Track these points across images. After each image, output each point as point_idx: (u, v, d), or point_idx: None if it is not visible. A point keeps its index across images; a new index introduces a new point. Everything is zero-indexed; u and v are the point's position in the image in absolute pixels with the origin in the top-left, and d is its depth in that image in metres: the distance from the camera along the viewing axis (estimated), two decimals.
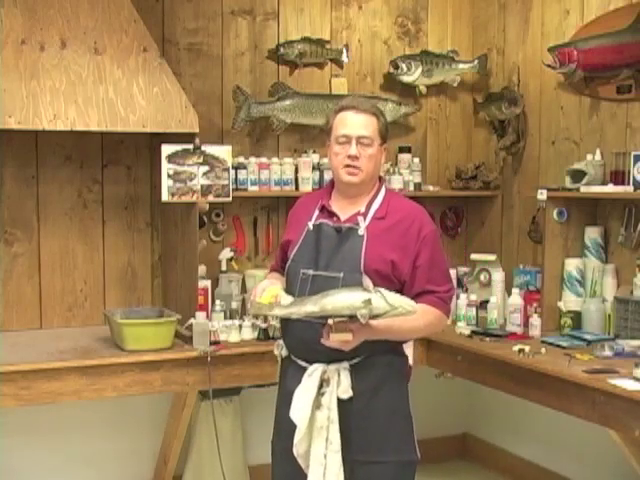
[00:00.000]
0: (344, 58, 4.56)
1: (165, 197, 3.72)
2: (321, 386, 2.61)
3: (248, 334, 3.81)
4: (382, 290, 2.46)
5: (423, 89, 4.70)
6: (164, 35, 4.17)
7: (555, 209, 4.00)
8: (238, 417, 4.29)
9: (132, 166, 4.16)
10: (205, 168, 3.76)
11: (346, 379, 2.61)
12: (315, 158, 4.36)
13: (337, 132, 2.73)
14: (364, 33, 4.67)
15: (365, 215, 2.72)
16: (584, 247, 4.03)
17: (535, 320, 3.90)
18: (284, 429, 2.73)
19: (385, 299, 2.44)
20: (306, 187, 4.24)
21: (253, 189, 4.19)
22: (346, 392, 2.60)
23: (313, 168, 4.29)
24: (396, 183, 4.48)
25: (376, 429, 2.66)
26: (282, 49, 4.39)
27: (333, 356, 2.58)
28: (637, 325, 3.65)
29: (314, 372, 2.63)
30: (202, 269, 4.02)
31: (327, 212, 2.77)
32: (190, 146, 3.73)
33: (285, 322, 2.72)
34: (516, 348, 3.57)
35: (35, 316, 4.00)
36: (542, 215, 4.12)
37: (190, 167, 3.73)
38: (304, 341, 2.65)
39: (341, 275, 2.64)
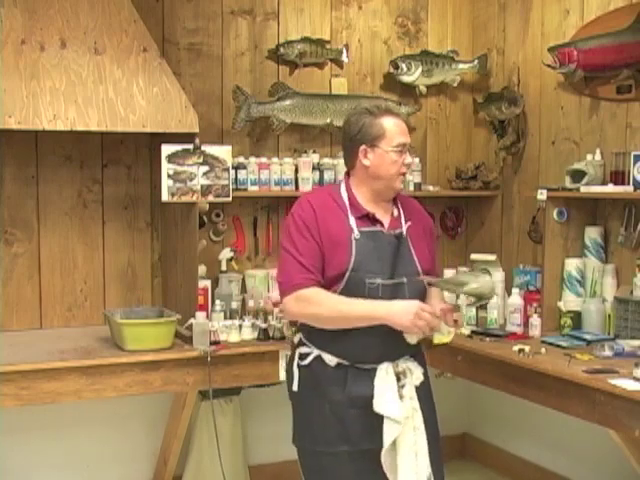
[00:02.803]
0: (344, 58, 4.57)
1: (165, 197, 3.73)
2: (398, 379, 2.71)
3: (248, 334, 3.81)
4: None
5: (423, 89, 4.70)
6: (164, 35, 4.17)
7: (555, 209, 4.00)
8: (238, 417, 4.29)
9: (132, 166, 4.16)
10: (205, 168, 3.76)
11: (417, 368, 2.78)
12: (315, 158, 4.36)
13: (395, 140, 2.72)
14: (364, 33, 4.67)
15: (400, 219, 2.80)
16: (584, 247, 4.03)
17: (535, 320, 3.90)
18: (353, 432, 2.70)
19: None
20: (306, 187, 4.24)
21: (253, 189, 4.19)
22: (418, 379, 2.78)
23: (313, 168, 4.29)
24: None
25: (433, 405, 2.87)
26: (282, 49, 4.39)
27: (399, 353, 2.74)
28: (637, 325, 3.64)
29: (388, 369, 2.70)
30: (202, 269, 4.02)
31: (368, 219, 2.75)
32: (190, 146, 3.73)
33: (344, 332, 2.66)
34: (516, 348, 3.57)
35: (35, 316, 4.00)
36: (542, 215, 4.12)
37: (190, 167, 3.74)
38: (372, 345, 2.68)
39: (405, 281, 2.71)
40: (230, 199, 3.89)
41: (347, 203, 2.77)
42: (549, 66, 4.12)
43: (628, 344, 3.50)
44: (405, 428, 2.66)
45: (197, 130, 3.73)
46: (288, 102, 4.34)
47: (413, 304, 2.60)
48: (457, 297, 2.93)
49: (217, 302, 3.92)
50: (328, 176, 4.31)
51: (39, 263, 4.00)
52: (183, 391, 3.80)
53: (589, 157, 3.96)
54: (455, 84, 4.78)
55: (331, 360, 2.71)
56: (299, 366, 2.77)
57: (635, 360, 3.19)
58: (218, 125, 4.31)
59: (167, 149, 3.70)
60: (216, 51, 4.31)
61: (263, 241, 4.46)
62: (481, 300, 2.83)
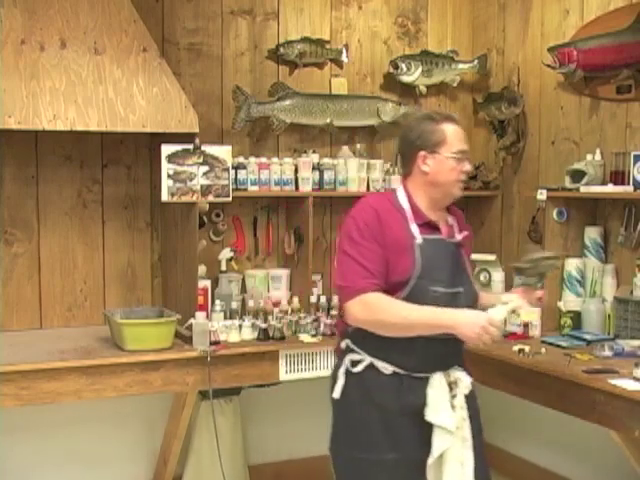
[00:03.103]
0: (344, 58, 4.56)
1: (165, 197, 3.72)
2: (450, 389, 2.71)
3: (248, 334, 3.81)
4: None
5: (423, 89, 4.70)
6: (164, 35, 4.17)
7: (555, 209, 4.00)
8: (238, 417, 4.29)
9: (132, 166, 4.16)
10: (205, 168, 3.76)
11: (466, 377, 2.77)
12: (315, 158, 4.35)
13: (456, 147, 2.71)
14: (364, 33, 4.67)
15: (454, 227, 2.82)
16: (584, 247, 4.03)
17: (535, 320, 3.90)
18: (402, 440, 2.69)
19: None
20: (306, 187, 4.24)
21: (253, 189, 4.19)
22: (467, 388, 2.76)
23: (313, 168, 4.29)
24: (396, 183, 4.48)
25: (479, 416, 2.86)
26: (282, 49, 4.39)
27: (451, 362, 2.76)
28: (637, 325, 3.65)
29: (441, 378, 2.70)
30: (202, 269, 4.02)
31: (430, 226, 2.73)
32: (190, 146, 3.73)
33: (403, 341, 2.64)
34: (516, 348, 3.57)
35: (35, 316, 4.00)
36: (542, 215, 4.12)
37: (190, 167, 3.74)
38: (430, 354, 2.68)
39: (462, 290, 2.72)
40: (230, 199, 3.89)
41: (408, 209, 2.73)
42: (549, 66, 4.12)
43: (628, 344, 3.50)
44: (454, 439, 2.66)
45: (197, 130, 3.73)
46: (288, 102, 4.34)
47: (482, 316, 2.57)
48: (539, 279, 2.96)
49: (217, 302, 3.92)
50: (328, 176, 4.31)
51: (39, 263, 4.00)
52: (183, 391, 3.80)
53: (589, 157, 3.96)
54: (455, 84, 4.78)
55: (386, 368, 2.68)
56: (348, 373, 2.73)
57: (635, 360, 3.19)
58: (218, 125, 4.31)
59: (167, 149, 3.70)
60: (216, 51, 4.31)
61: (263, 241, 4.46)
62: (541, 280, 2.94)
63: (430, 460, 2.65)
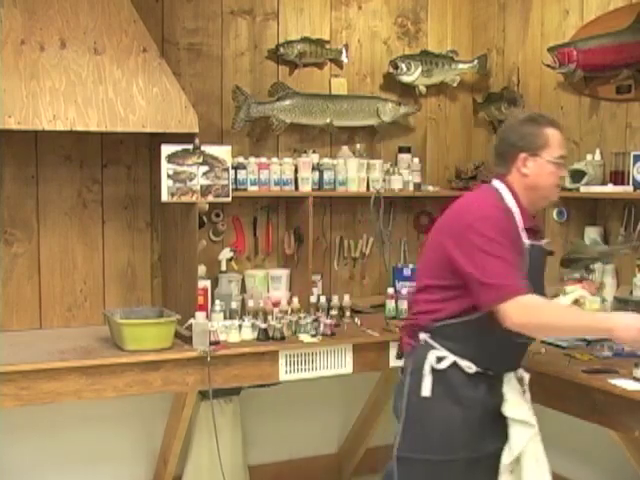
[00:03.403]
0: (344, 58, 4.57)
1: (165, 197, 3.72)
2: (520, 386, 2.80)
3: (248, 334, 3.80)
4: None
5: (423, 89, 4.71)
6: (164, 35, 4.17)
7: (555, 209, 4.01)
8: (238, 417, 4.29)
9: (132, 166, 4.16)
10: (205, 168, 3.76)
11: (526, 375, 2.86)
12: (315, 158, 4.35)
13: (557, 152, 2.73)
14: (364, 33, 4.67)
15: (538, 232, 2.84)
16: None
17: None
18: (482, 438, 2.72)
19: None
20: (305, 187, 4.24)
21: (253, 189, 4.19)
22: (527, 385, 2.85)
23: (313, 168, 4.29)
24: (396, 183, 4.48)
25: None
26: (282, 49, 4.39)
27: (520, 362, 2.85)
28: None
29: (512, 376, 2.78)
30: (202, 269, 4.02)
31: (532, 231, 2.75)
32: (190, 146, 3.73)
33: (490, 341, 2.67)
34: None
35: (35, 316, 3.99)
36: (542, 215, 4.12)
37: (190, 167, 3.73)
38: (511, 354, 2.78)
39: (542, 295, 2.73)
40: (230, 199, 3.89)
41: (517, 212, 2.72)
42: (549, 66, 4.12)
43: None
44: (532, 434, 2.72)
45: (197, 130, 3.73)
46: (288, 102, 4.35)
47: (638, 318, 2.53)
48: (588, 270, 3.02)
49: (217, 302, 3.92)
50: (328, 176, 4.31)
51: (39, 263, 3.99)
52: (183, 391, 3.80)
53: (589, 157, 3.96)
54: (455, 84, 4.78)
55: (470, 367, 2.69)
56: (433, 370, 2.70)
57: (635, 360, 3.18)
58: (218, 125, 4.31)
59: (167, 149, 3.70)
60: (216, 51, 4.31)
61: (263, 241, 4.46)
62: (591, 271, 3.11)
63: (509, 459, 2.69)
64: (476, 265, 2.57)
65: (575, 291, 2.83)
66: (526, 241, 2.68)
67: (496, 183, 2.79)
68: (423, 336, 2.74)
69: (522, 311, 2.53)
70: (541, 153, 2.71)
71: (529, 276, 2.64)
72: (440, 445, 2.68)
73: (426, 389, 2.69)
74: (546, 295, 2.81)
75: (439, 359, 2.70)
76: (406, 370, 2.78)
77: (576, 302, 2.99)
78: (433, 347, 2.72)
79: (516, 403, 2.72)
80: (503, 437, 2.75)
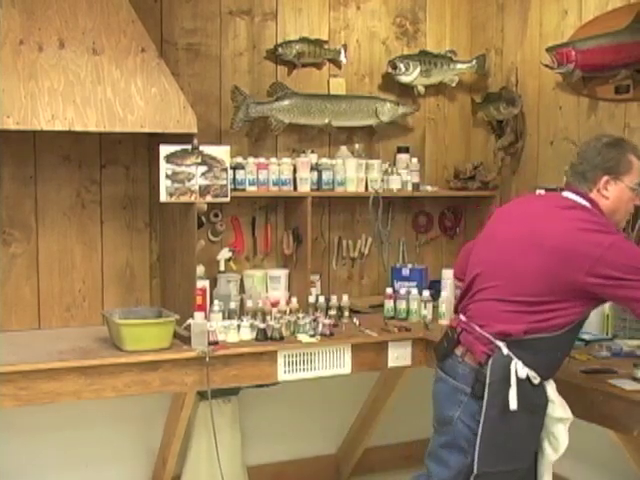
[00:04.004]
0: (342, 58, 4.57)
1: (163, 197, 3.72)
2: None
3: (246, 334, 3.80)
4: None
5: (421, 89, 4.71)
6: (162, 35, 4.17)
7: None
8: (236, 417, 4.29)
9: (130, 166, 4.16)
10: (203, 168, 3.76)
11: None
12: (313, 158, 4.36)
13: (638, 179, 2.78)
14: (362, 33, 4.67)
15: None
16: None
17: None
18: (538, 441, 2.85)
19: None
20: (304, 187, 4.24)
21: (251, 189, 4.19)
22: None
23: (311, 168, 4.29)
24: (394, 183, 4.49)
25: None
26: (280, 49, 4.39)
27: None
28: (635, 325, 3.65)
29: (552, 380, 2.85)
30: (200, 269, 4.02)
31: None
32: (188, 146, 3.72)
33: (560, 356, 2.78)
34: None
35: (33, 316, 3.99)
36: None
37: (188, 167, 3.73)
38: (561, 365, 2.88)
39: None
40: (228, 199, 3.89)
41: None
42: (547, 66, 4.12)
43: (626, 344, 3.50)
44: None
45: (195, 130, 3.73)
46: (286, 102, 4.35)
47: None
48: None
49: (215, 302, 3.92)
50: (326, 176, 4.31)
51: (37, 263, 3.99)
52: (182, 391, 3.80)
53: None
54: (453, 84, 4.78)
55: (535, 378, 2.73)
56: (520, 380, 2.69)
57: (633, 360, 3.19)
58: (216, 125, 4.31)
59: (165, 149, 3.70)
60: (214, 51, 4.31)
61: (261, 241, 4.46)
62: None
63: (555, 457, 2.81)
64: (630, 283, 2.60)
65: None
66: None
67: (577, 198, 2.79)
68: (501, 345, 2.71)
69: None
70: (623, 178, 2.76)
71: None
72: (515, 455, 2.74)
73: (513, 401, 2.66)
74: None
75: (520, 369, 2.70)
76: (480, 380, 2.72)
77: None
78: (512, 357, 2.70)
79: (561, 403, 2.81)
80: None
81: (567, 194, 2.83)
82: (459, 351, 2.82)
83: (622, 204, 2.78)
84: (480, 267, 2.87)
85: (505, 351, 2.70)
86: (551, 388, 2.82)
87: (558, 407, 2.80)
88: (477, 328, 2.77)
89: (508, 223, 2.88)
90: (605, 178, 2.76)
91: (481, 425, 2.69)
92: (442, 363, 2.89)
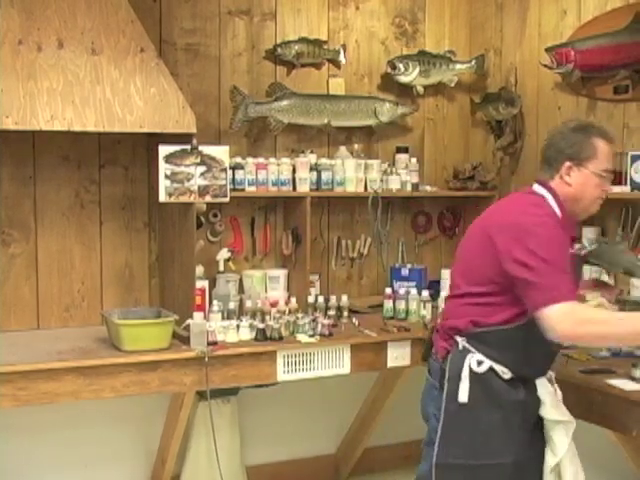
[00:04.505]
0: (341, 58, 4.57)
1: (162, 197, 3.72)
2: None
3: (246, 334, 3.80)
4: None
5: (420, 89, 4.71)
6: (161, 36, 4.17)
7: None
8: (235, 417, 4.29)
9: (129, 166, 4.16)
10: (202, 168, 3.76)
11: (553, 372, 2.84)
12: (312, 158, 4.36)
13: (605, 165, 2.67)
14: (361, 33, 4.67)
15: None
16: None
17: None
18: (521, 441, 2.70)
19: None
20: (303, 187, 4.24)
21: (251, 189, 4.19)
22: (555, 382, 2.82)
23: (310, 168, 4.29)
24: (393, 183, 4.49)
25: None
26: (279, 49, 4.39)
27: (551, 366, 2.84)
28: None
29: (544, 379, 2.77)
30: (199, 269, 4.02)
31: (572, 240, 2.75)
32: (187, 146, 3.72)
33: (530, 350, 2.66)
34: None
35: (32, 317, 3.99)
36: None
37: (187, 167, 3.73)
38: (546, 363, 2.79)
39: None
40: (227, 199, 3.89)
41: (561, 220, 2.67)
42: (546, 66, 4.13)
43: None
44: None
45: (194, 130, 3.73)
46: (285, 102, 4.35)
47: None
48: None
49: (214, 302, 3.92)
50: (325, 176, 4.31)
51: (36, 263, 3.99)
52: (181, 391, 3.80)
53: None
54: (452, 84, 4.78)
55: (505, 372, 2.67)
56: (472, 374, 2.66)
57: (632, 360, 3.19)
58: (215, 125, 4.31)
59: (164, 149, 3.70)
60: (213, 51, 4.31)
61: (260, 241, 4.46)
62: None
63: (553, 460, 2.71)
64: (530, 269, 2.50)
65: (595, 299, 2.79)
66: (570, 249, 2.67)
67: (539, 189, 2.74)
68: (460, 340, 2.71)
69: (571, 322, 2.44)
70: (587, 164, 2.67)
71: (574, 280, 2.63)
72: (482, 450, 2.67)
73: (463, 394, 2.66)
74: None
75: (479, 362, 2.67)
76: (444, 375, 2.73)
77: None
78: (470, 351, 2.68)
79: (554, 404, 2.73)
80: (543, 440, 2.76)
81: (533, 186, 2.79)
82: (433, 349, 2.87)
83: (587, 191, 2.68)
84: (452, 267, 2.93)
85: (461, 346, 2.70)
86: (543, 388, 2.74)
87: (549, 409, 2.72)
88: (441, 325, 2.84)
89: (475, 221, 2.88)
90: (567, 164, 2.67)
91: (441, 418, 2.71)
92: (426, 362, 2.93)
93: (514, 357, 2.65)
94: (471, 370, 2.66)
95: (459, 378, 2.67)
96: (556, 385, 2.82)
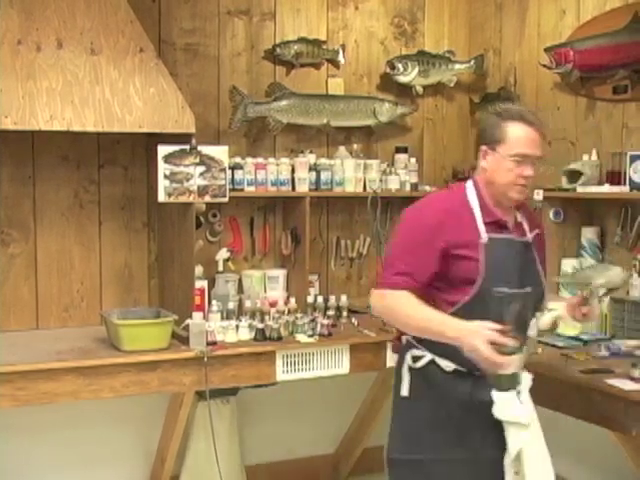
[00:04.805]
0: (340, 58, 4.57)
1: (162, 197, 3.72)
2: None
3: (245, 334, 3.80)
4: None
5: (420, 89, 4.71)
6: (160, 36, 4.17)
7: (551, 209, 4.01)
8: (235, 417, 4.29)
9: (129, 166, 4.16)
10: (202, 168, 3.76)
11: (527, 374, 2.70)
12: (312, 158, 4.36)
13: (514, 149, 2.61)
14: (360, 33, 4.67)
15: (523, 225, 2.75)
16: (580, 247, 4.03)
17: (532, 320, 3.89)
18: (471, 438, 2.66)
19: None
20: (302, 187, 4.24)
21: (250, 189, 4.19)
22: (528, 385, 2.70)
23: (310, 168, 4.29)
24: (393, 183, 4.49)
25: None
26: (279, 49, 4.39)
27: None
28: (633, 325, 3.65)
29: None
30: (199, 269, 4.02)
31: (497, 225, 2.67)
32: (187, 146, 3.73)
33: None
34: None
35: (32, 317, 3.99)
36: (538, 215, 4.12)
37: (187, 167, 3.73)
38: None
39: (529, 290, 2.66)
40: (227, 199, 3.89)
41: (476, 206, 2.68)
42: (545, 66, 4.13)
43: (624, 344, 3.51)
44: (530, 434, 2.65)
45: (194, 130, 3.73)
46: (285, 102, 4.34)
47: (478, 325, 2.46)
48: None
49: (214, 302, 3.92)
50: (325, 176, 4.31)
51: (35, 264, 3.99)
52: (180, 392, 3.79)
53: (585, 157, 3.97)
54: (452, 84, 4.78)
55: (448, 366, 2.65)
56: (411, 369, 2.69)
57: (632, 360, 3.20)
58: (215, 125, 4.31)
59: (164, 149, 3.70)
60: (213, 51, 4.31)
61: (260, 241, 4.46)
62: (612, 291, 2.93)
63: (508, 459, 2.63)
64: (386, 254, 2.80)
65: (556, 310, 2.75)
66: (484, 236, 2.62)
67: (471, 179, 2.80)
68: (405, 336, 2.75)
69: (380, 299, 2.66)
70: (497, 148, 2.63)
71: (495, 269, 2.59)
72: (431, 444, 2.66)
73: (404, 389, 2.70)
74: (539, 286, 2.73)
75: (415, 358, 2.68)
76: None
77: (553, 324, 2.92)
78: (413, 346, 2.70)
79: (505, 404, 2.62)
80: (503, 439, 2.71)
81: None
82: None
83: (499, 175, 2.63)
84: None
85: (404, 340, 2.74)
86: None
87: (498, 408, 2.61)
88: None
89: None
90: (483, 148, 2.68)
91: (392, 412, 2.76)
92: None
93: (453, 348, 2.56)
94: (409, 366, 2.70)
95: (401, 372, 2.72)
96: (522, 387, 2.67)
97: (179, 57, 4.22)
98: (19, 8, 3.51)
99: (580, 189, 3.87)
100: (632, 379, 3.04)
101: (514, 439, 2.63)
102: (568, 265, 3.99)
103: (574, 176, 3.91)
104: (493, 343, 2.41)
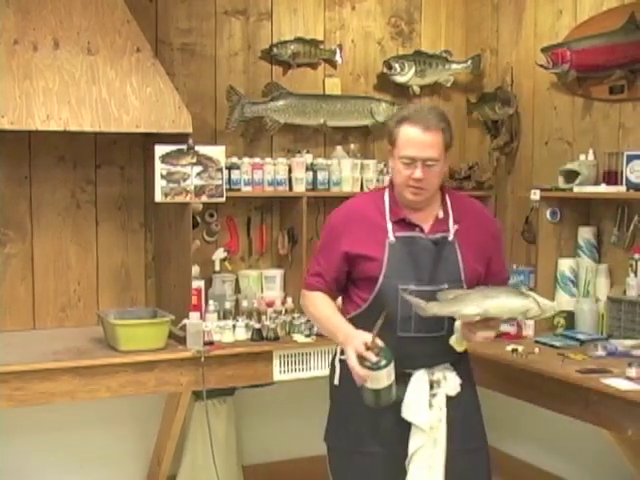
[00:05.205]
0: (337, 58, 4.57)
1: (159, 197, 3.72)
2: (431, 388, 2.67)
3: (242, 334, 3.81)
4: (533, 294, 2.63)
5: (416, 89, 4.71)
6: (157, 35, 4.17)
7: (548, 209, 4.01)
8: (232, 417, 4.29)
9: (125, 166, 4.15)
10: (198, 168, 3.76)
11: (454, 378, 2.71)
12: (309, 158, 4.35)
13: (402, 151, 2.61)
14: (357, 33, 4.67)
15: (446, 222, 2.71)
16: (577, 247, 4.03)
17: (528, 320, 3.90)
18: (386, 434, 2.67)
19: (538, 304, 2.59)
20: (299, 187, 4.24)
21: (247, 189, 4.19)
22: (454, 389, 2.70)
23: (307, 168, 4.29)
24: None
25: (474, 418, 2.79)
26: (275, 49, 4.39)
27: (437, 360, 2.70)
28: (630, 325, 3.65)
29: (423, 376, 2.67)
30: (196, 269, 4.01)
31: (406, 224, 2.68)
32: (183, 146, 3.73)
33: (393, 335, 2.58)
34: (509, 348, 3.58)
35: (28, 317, 3.99)
36: (535, 215, 4.13)
37: (183, 167, 3.73)
38: (409, 349, 2.63)
39: (446, 287, 2.64)
40: (224, 199, 3.89)
41: (387, 206, 2.71)
42: (542, 66, 4.13)
43: (621, 344, 3.51)
44: (427, 439, 2.63)
45: (190, 130, 3.73)
46: (281, 102, 4.34)
47: (358, 333, 2.50)
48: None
49: (211, 302, 3.92)
50: (322, 176, 4.31)
51: (32, 264, 3.99)
52: (177, 391, 3.79)
53: (582, 157, 3.97)
54: (448, 84, 4.78)
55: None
56: (341, 360, 2.70)
57: (628, 360, 3.20)
58: (211, 125, 4.31)
59: (160, 149, 3.70)
60: (209, 51, 4.31)
61: (257, 241, 4.46)
62: (510, 320, 3.00)
63: (407, 459, 2.64)
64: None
65: (457, 328, 2.72)
66: (390, 235, 2.65)
67: None
68: None
69: (302, 300, 2.86)
70: (393, 150, 2.66)
71: (399, 267, 2.62)
72: (354, 436, 2.71)
73: (337, 378, 2.77)
74: (457, 283, 2.65)
75: (343, 351, 2.66)
76: None
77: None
78: None
79: (412, 405, 2.63)
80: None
81: None
82: None
83: (395, 176, 2.68)
84: None
85: None
86: (413, 385, 2.65)
87: (406, 408, 2.62)
88: None
89: None
90: (389, 148, 2.70)
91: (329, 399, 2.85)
92: None
93: None
94: (340, 357, 2.73)
95: (334, 362, 2.81)
96: (441, 390, 2.67)
97: (176, 57, 4.22)
98: (16, 8, 3.51)
99: (577, 189, 3.87)
100: (629, 379, 3.04)
101: (414, 440, 2.64)
102: (565, 265, 4.00)
103: (571, 176, 3.91)
104: (359, 355, 2.45)
